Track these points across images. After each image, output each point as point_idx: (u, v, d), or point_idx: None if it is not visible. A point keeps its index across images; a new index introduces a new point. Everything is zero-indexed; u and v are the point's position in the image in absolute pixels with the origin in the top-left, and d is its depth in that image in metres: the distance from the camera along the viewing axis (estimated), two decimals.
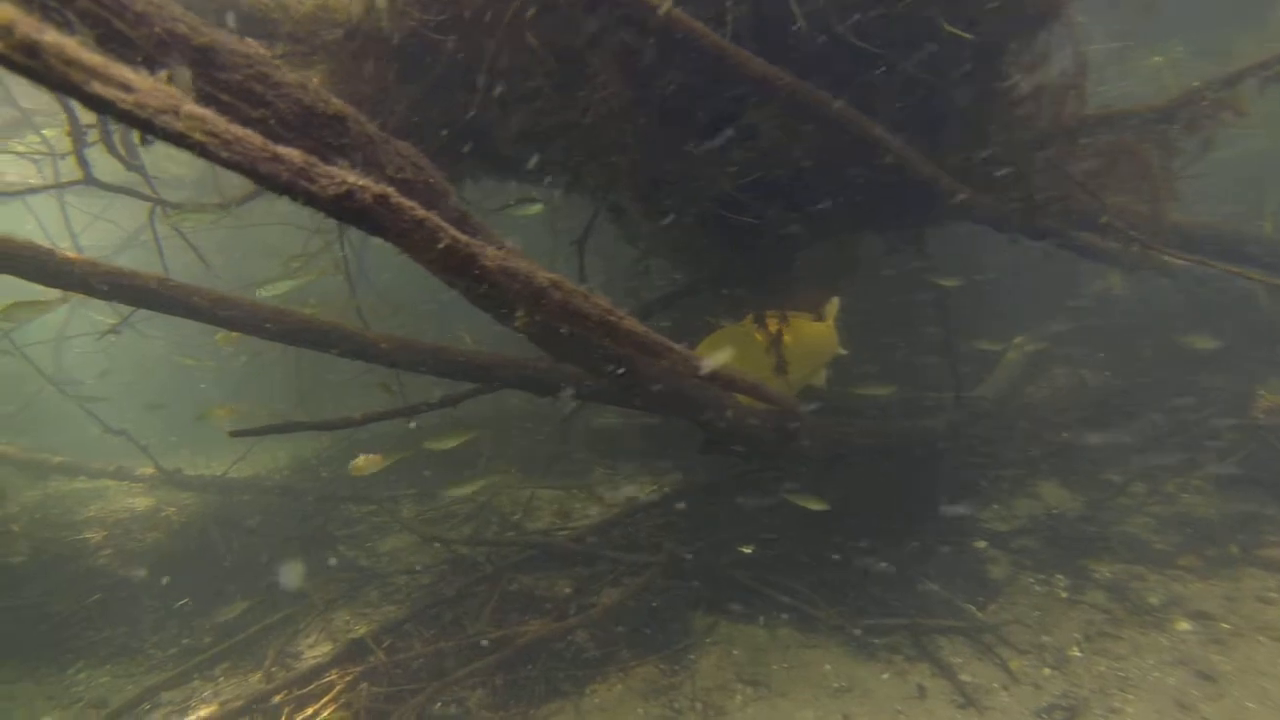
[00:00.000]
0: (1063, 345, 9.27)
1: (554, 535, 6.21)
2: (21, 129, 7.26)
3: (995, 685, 3.86)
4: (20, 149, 7.70)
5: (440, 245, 1.20)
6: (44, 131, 7.63)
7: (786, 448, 3.66)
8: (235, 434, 2.49)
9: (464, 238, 1.23)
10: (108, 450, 8.58)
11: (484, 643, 4.53)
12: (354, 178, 1.13)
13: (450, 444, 5.80)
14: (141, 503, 8.35)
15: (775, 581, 5.06)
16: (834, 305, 4.67)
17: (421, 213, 1.19)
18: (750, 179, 3.56)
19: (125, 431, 6.72)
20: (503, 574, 5.43)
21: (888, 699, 3.98)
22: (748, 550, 5.39)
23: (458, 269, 1.23)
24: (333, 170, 1.12)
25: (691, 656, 4.57)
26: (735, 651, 4.57)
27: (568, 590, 5.29)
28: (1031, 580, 4.78)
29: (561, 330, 2.15)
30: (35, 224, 8.44)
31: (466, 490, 7.80)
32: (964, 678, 3.98)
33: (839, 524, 5.55)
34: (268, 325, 2.31)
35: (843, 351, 5.66)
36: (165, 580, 6.63)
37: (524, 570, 5.58)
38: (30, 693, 5.59)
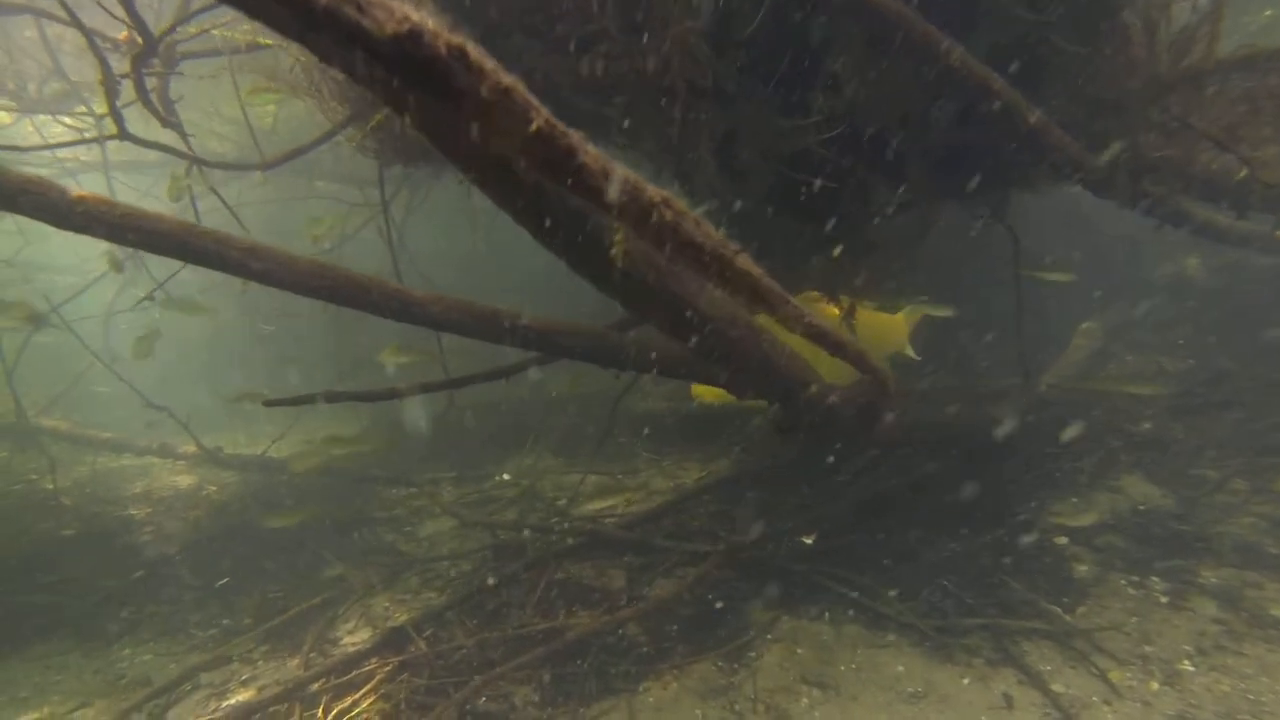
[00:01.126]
0: (1134, 332, 8.73)
1: (601, 522, 5.95)
2: (70, 101, 7.17)
3: (1094, 699, 3.49)
4: (69, 122, 7.64)
5: (532, 126, 0.91)
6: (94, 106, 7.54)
7: (866, 430, 3.32)
8: (269, 404, 2.25)
9: (560, 124, 0.95)
10: (155, 428, 8.57)
11: (531, 634, 4.29)
12: (421, 14, 0.83)
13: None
14: (184, 480, 8.34)
15: (839, 575, 4.73)
16: (917, 312, 4.28)
17: (508, 78, 0.90)
18: (831, 134, 3.21)
19: (166, 407, 6.61)
20: (549, 562, 5.18)
21: (970, 707, 3.63)
22: (808, 541, 5.07)
23: (550, 162, 0.95)
24: (392, 1, 0.82)
25: (752, 654, 4.27)
26: (799, 650, 4.26)
27: (619, 580, 5.02)
28: (1123, 582, 4.36)
29: (652, 276, 1.85)
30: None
31: (508, 475, 7.61)
32: (1056, 688, 3.61)
33: (904, 515, 5.20)
34: (304, 280, 2.06)
35: (913, 355, 5.25)
36: (206, 559, 6.57)
37: (572, 558, 5.32)
38: (79, 665, 5.54)
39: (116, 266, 6.88)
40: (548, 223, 1.69)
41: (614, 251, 1.35)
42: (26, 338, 7.52)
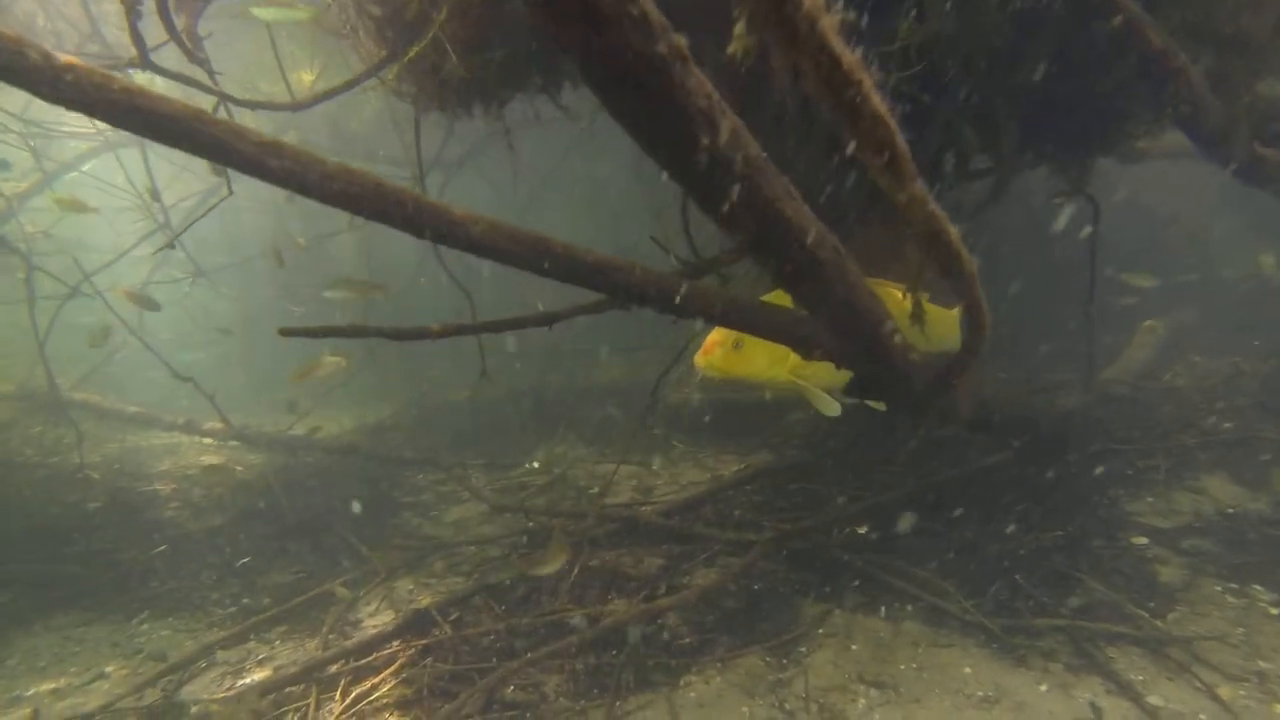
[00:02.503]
0: (1204, 329, 8.22)
1: (638, 509, 5.65)
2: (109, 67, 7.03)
3: (1202, 717, 3.09)
4: None
5: None
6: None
7: (938, 399, 2.97)
8: (284, 332, 1.99)
9: None
10: (189, 406, 8.48)
11: (564, 621, 3.99)
12: None
13: None
14: (211, 459, 8.21)
15: (896, 567, 4.37)
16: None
17: None
18: (913, 70, 2.87)
19: (192, 379, 6.45)
20: (582, 547, 4.89)
21: (1051, 717, 3.25)
22: (861, 531, 4.71)
23: None
24: None
25: (802, 649, 3.92)
26: (854, 646, 3.91)
27: (656, 568, 4.71)
28: (1219, 589, 3.94)
29: (742, 164, 1.54)
30: (124, 176, 8.28)
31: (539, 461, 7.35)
32: (1153, 700, 3.22)
33: (964, 506, 4.82)
34: (329, 184, 1.79)
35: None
36: (228, 536, 6.40)
37: (606, 545, 5.02)
38: (98, 637, 5.39)
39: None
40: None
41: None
42: (56, 311, 7.43)
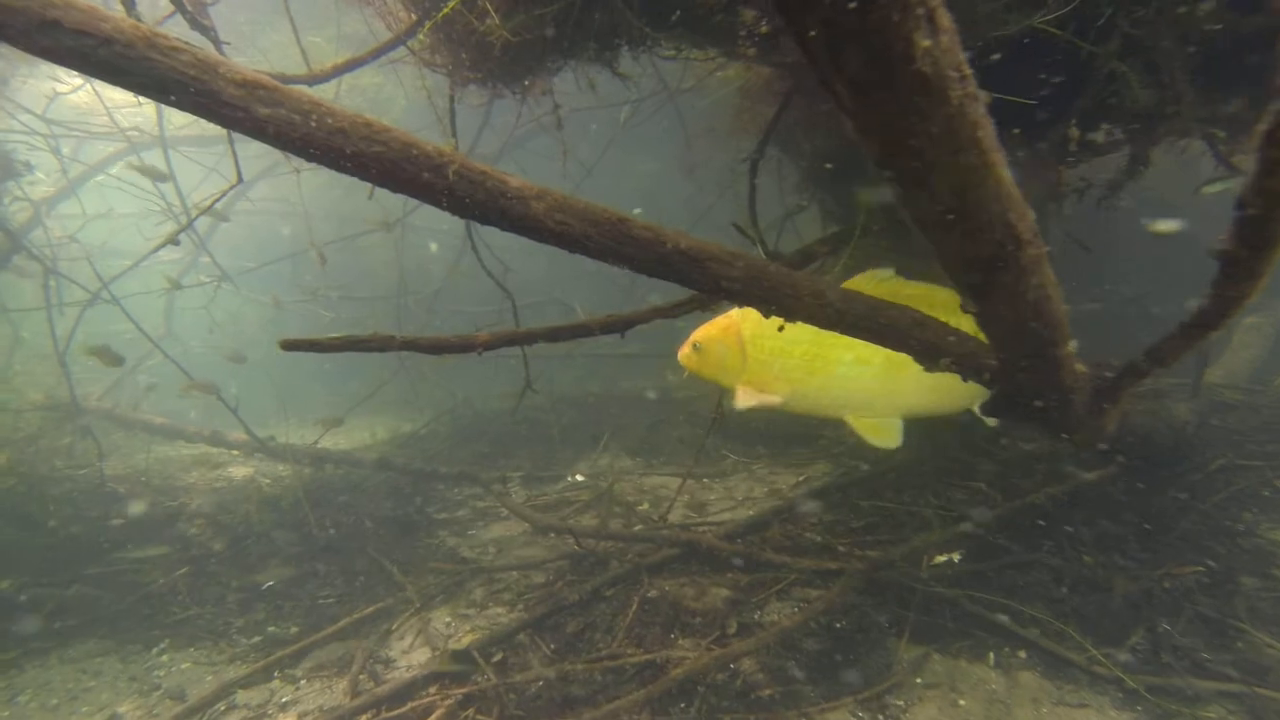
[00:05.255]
0: None
1: (695, 530, 5.13)
2: None
3: None
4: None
5: None
6: None
7: (1096, 419, 2.41)
8: (286, 345, 1.50)
9: None
10: (219, 414, 8.16)
11: (624, 668, 3.48)
12: None
13: None
14: (238, 471, 7.87)
15: (999, 604, 3.78)
16: None
17: None
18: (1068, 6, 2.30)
19: (214, 388, 6.07)
20: (639, 576, 4.37)
21: None
22: (955, 558, 4.13)
23: None
24: None
25: (899, 702, 3.36)
26: (962, 701, 3.33)
27: (723, 600, 4.18)
28: None
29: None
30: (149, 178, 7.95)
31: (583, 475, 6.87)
32: None
33: (1067, 533, 4.21)
34: (341, 143, 1.30)
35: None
36: (255, 555, 6.02)
37: (664, 573, 4.50)
38: (115, 670, 5.00)
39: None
40: None
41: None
42: (77, 318, 7.13)
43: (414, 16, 3.09)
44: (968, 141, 1.01)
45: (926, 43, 0.84)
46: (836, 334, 2.47)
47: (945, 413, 3.15)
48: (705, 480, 6.94)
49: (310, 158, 1.33)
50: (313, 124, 1.29)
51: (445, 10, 2.61)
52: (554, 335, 1.90)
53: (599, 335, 2.00)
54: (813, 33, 0.84)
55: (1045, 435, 3.92)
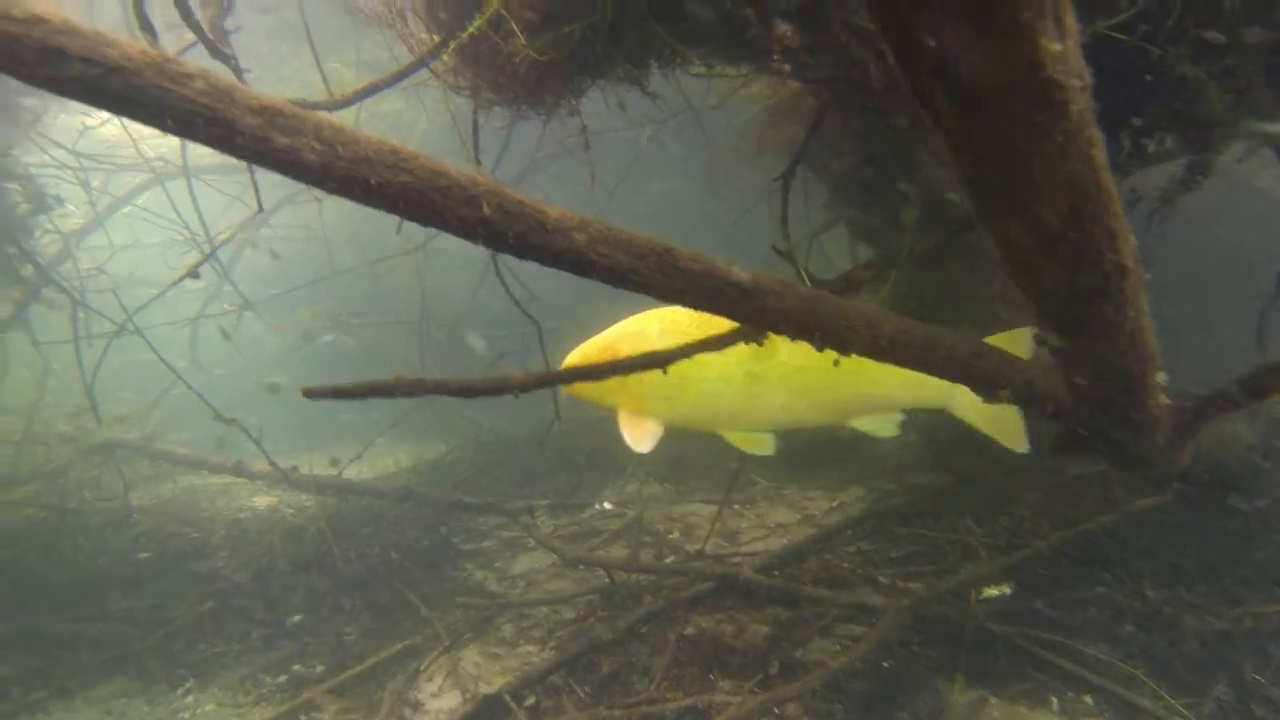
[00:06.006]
0: None
1: (729, 561, 4.96)
2: None
3: None
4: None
5: None
6: None
7: (1165, 456, 2.23)
8: (310, 393, 1.38)
9: None
10: (237, 447, 8.14)
11: (664, 713, 3.30)
12: None
13: None
14: (261, 501, 7.81)
15: (1058, 643, 3.56)
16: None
17: None
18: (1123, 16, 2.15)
19: (235, 420, 6.01)
20: (674, 612, 4.20)
21: None
22: (1005, 591, 3.92)
23: None
24: None
25: None
26: None
27: (762, 638, 4.00)
28: None
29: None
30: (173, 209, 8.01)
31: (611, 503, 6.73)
32: None
33: (1130, 563, 3.98)
34: (364, 172, 1.18)
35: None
36: (279, 589, 5.92)
37: (700, 608, 4.33)
38: (141, 713, 4.92)
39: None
40: None
41: None
42: (104, 350, 7.14)
43: (436, 38, 3.02)
44: (1084, 159, 0.87)
45: (1056, 47, 0.71)
46: (704, 352, 2.48)
47: (818, 424, 3.15)
48: (735, 507, 6.75)
49: (334, 190, 1.21)
50: (336, 153, 1.18)
51: (470, 30, 2.52)
52: (594, 373, 1.77)
53: (641, 371, 1.87)
54: (922, 37, 0.71)
55: (1114, 468, 3.71)
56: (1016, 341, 2.73)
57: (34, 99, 5.62)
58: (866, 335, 1.84)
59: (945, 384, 2.43)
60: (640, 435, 2.82)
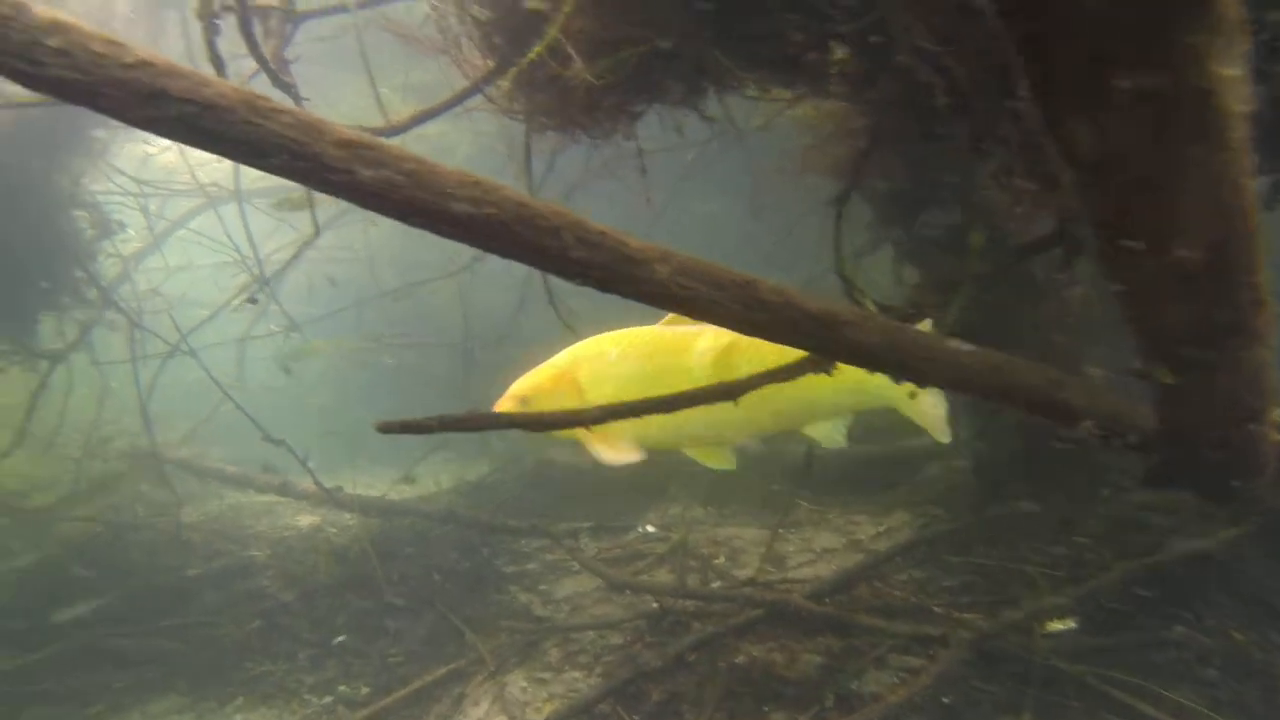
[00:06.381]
0: None
1: (777, 587, 4.85)
2: None
3: None
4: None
5: None
6: None
7: (1270, 492, 2.11)
8: (382, 428, 1.36)
9: None
10: (287, 460, 8.25)
11: None
12: None
13: None
14: (305, 520, 7.88)
15: (1132, 684, 3.39)
16: None
17: None
18: None
19: (283, 441, 6.09)
20: (724, 639, 4.11)
21: None
22: (1071, 626, 3.75)
23: None
24: None
25: None
26: None
27: (815, 668, 3.88)
28: None
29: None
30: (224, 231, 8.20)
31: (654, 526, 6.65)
32: None
33: (1203, 598, 3.79)
34: (445, 203, 1.16)
35: None
36: (324, 609, 5.96)
37: (749, 635, 4.23)
38: None
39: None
40: None
41: None
42: (158, 369, 7.31)
43: (491, 63, 3.03)
44: (1236, 189, 0.81)
45: (1228, 72, 0.65)
46: (666, 374, 2.43)
47: (776, 432, 3.19)
48: (780, 531, 6.63)
49: (414, 221, 1.20)
50: (418, 185, 1.16)
51: (530, 56, 2.51)
52: (666, 405, 1.72)
53: (711, 403, 1.82)
54: (1070, 62, 0.65)
55: (1207, 501, 3.53)
56: None
57: (104, 130, 5.82)
58: (947, 367, 1.78)
59: (887, 385, 2.42)
60: (617, 454, 2.80)
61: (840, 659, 3.95)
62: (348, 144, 1.13)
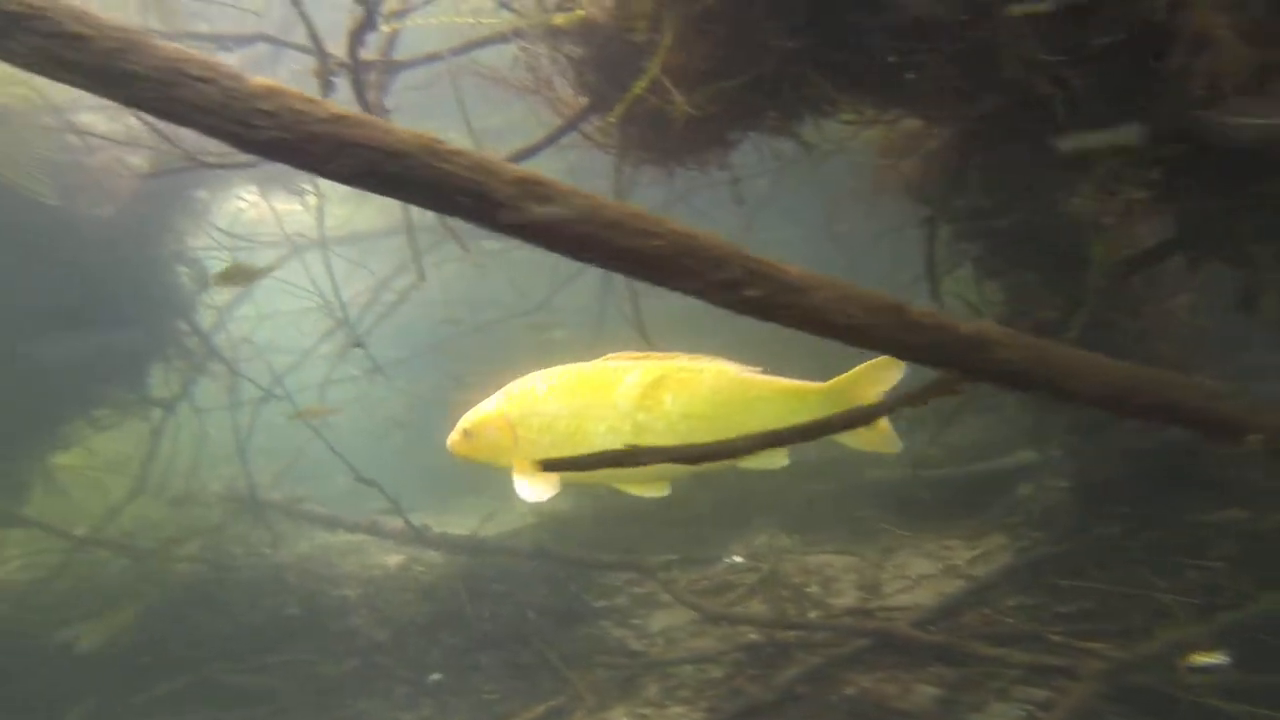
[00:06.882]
0: None
1: (878, 615, 4.71)
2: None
3: None
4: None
5: None
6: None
7: None
8: (548, 467, 1.37)
9: None
10: (367, 504, 8.45)
11: None
12: None
13: None
14: (392, 559, 8.03)
15: None
16: None
17: None
18: None
19: (375, 482, 6.25)
20: (831, 670, 4.00)
21: None
22: (1220, 660, 3.49)
23: None
24: None
25: None
26: None
27: (931, 700, 3.73)
28: None
29: None
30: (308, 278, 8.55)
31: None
32: None
33: None
34: (615, 238, 1.17)
35: None
36: (417, 647, 6.03)
37: (857, 666, 4.10)
38: None
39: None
40: None
41: None
42: (253, 414, 7.62)
43: (584, 100, 3.10)
44: None
45: None
46: (592, 408, 2.68)
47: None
48: (871, 557, 6.45)
49: (583, 256, 1.22)
50: (586, 220, 1.18)
51: (634, 92, 2.56)
52: (806, 434, 1.69)
53: (845, 430, 1.78)
54: None
55: None
56: (883, 371, 2.67)
57: (205, 191, 6.18)
58: (1099, 385, 1.71)
59: (822, 414, 2.37)
60: (537, 487, 2.83)
61: (957, 689, 3.79)
62: (520, 182, 1.16)
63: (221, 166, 3.17)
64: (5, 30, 0.94)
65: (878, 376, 2.68)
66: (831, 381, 2.76)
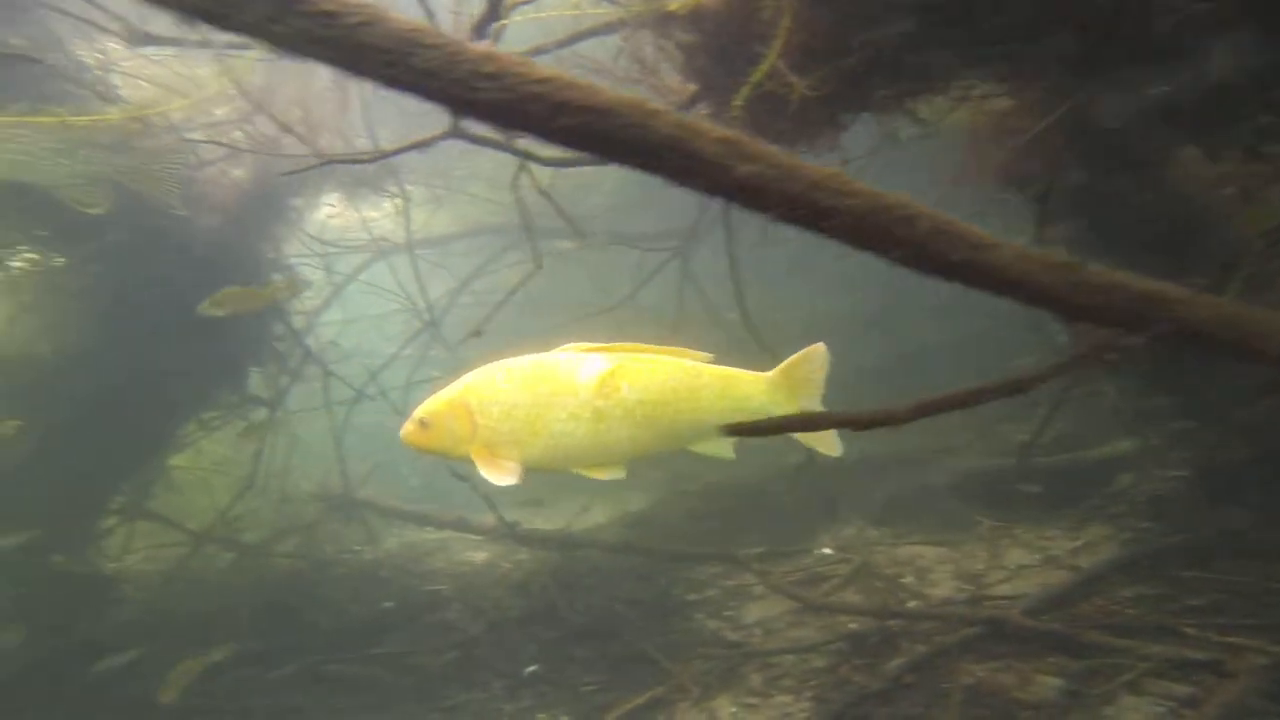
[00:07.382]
0: None
1: (986, 604, 4.59)
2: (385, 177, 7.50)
3: None
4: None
5: None
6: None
7: None
8: (730, 431, 1.38)
9: None
10: (453, 500, 8.64)
11: None
12: None
13: None
14: (478, 556, 8.20)
15: None
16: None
17: None
18: None
19: (469, 479, 6.38)
20: (942, 659, 3.91)
21: None
22: None
23: None
24: None
25: None
26: None
27: (1054, 690, 3.62)
28: None
29: None
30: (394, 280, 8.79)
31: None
32: None
33: None
34: (812, 199, 1.18)
35: None
36: (512, 640, 6.13)
37: (969, 655, 4.01)
38: None
39: None
40: None
41: None
42: (346, 415, 7.88)
43: (693, 87, 3.11)
44: None
45: None
46: (553, 395, 2.80)
47: (661, 451, 3.18)
48: (964, 548, 6.29)
49: (780, 216, 1.23)
50: (788, 179, 1.19)
51: (756, 78, 2.56)
52: (970, 399, 1.65)
53: (1001, 398, 1.74)
54: None
55: None
56: (812, 358, 2.85)
57: (300, 199, 6.44)
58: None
59: (766, 400, 2.81)
60: (500, 472, 2.88)
61: (1082, 681, 3.66)
62: (725, 141, 1.18)
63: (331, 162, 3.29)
64: (276, 15, 1.00)
65: (809, 363, 2.85)
66: (771, 371, 2.95)
